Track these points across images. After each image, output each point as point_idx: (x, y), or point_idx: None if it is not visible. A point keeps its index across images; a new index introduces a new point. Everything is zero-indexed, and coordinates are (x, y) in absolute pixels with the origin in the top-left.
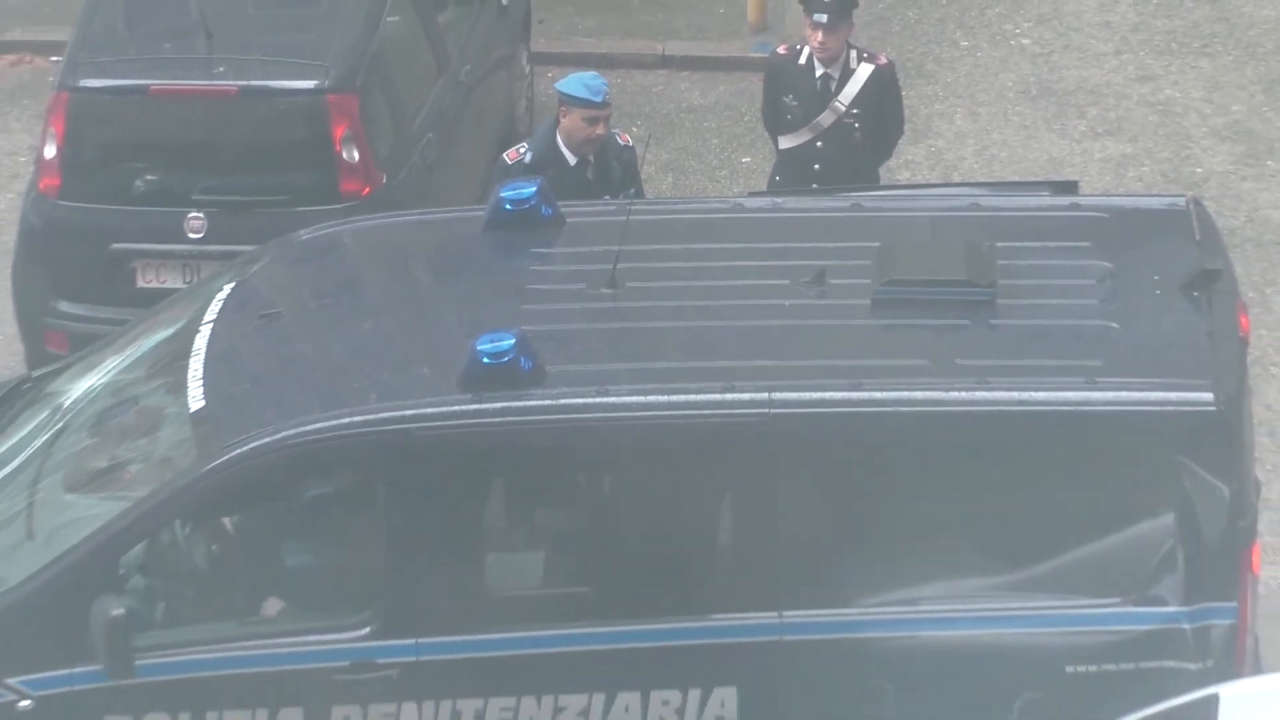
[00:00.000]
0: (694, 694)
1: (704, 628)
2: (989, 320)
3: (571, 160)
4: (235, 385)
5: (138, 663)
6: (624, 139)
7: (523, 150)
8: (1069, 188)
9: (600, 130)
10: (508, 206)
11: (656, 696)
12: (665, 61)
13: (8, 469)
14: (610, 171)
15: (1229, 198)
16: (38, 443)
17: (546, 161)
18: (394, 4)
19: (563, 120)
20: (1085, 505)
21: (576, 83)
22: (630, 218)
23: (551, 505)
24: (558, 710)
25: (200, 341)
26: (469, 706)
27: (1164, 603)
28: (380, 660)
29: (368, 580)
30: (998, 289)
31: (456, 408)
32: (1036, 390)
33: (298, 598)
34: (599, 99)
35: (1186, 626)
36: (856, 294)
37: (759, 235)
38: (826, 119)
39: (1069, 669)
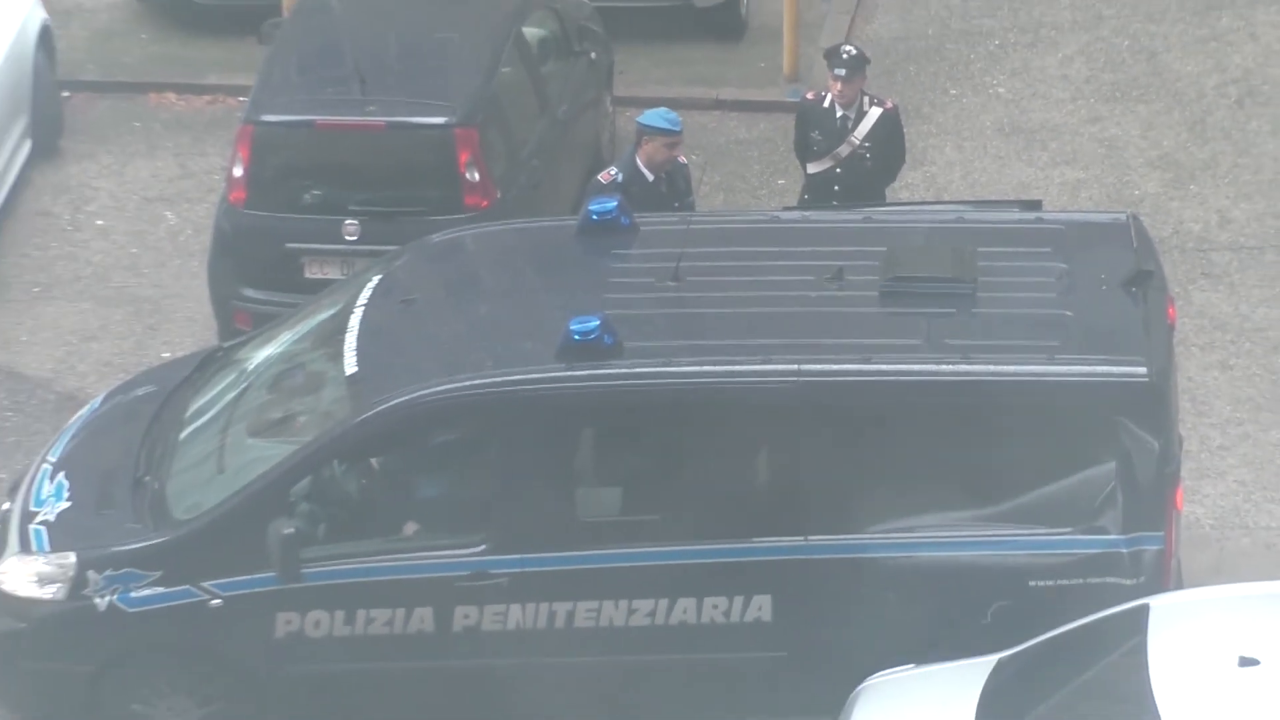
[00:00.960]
0: (738, 600)
1: (745, 548)
2: (971, 309)
3: (650, 178)
4: (381, 355)
5: (304, 570)
6: (682, 158)
7: (613, 172)
8: (1034, 205)
9: (676, 152)
10: (594, 217)
11: (708, 602)
12: (718, 104)
13: (204, 419)
14: (676, 183)
15: (1160, 214)
16: (227, 399)
17: (631, 180)
18: (507, 57)
19: (645, 146)
20: (1044, 454)
21: (658, 117)
22: (690, 226)
23: (627, 451)
24: (631, 612)
25: (354, 320)
26: (562, 608)
27: (1106, 532)
28: (493, 571)
29: (483, 508)
30: (978, 284)
31: (553, 374)
32: (1008, 364)
33: (428, 521)
34: (677, 128)
35: (1124, 551)
36: (867, 288)
37: (791, 241)
38: (844, 150)
39: (1031, 583)
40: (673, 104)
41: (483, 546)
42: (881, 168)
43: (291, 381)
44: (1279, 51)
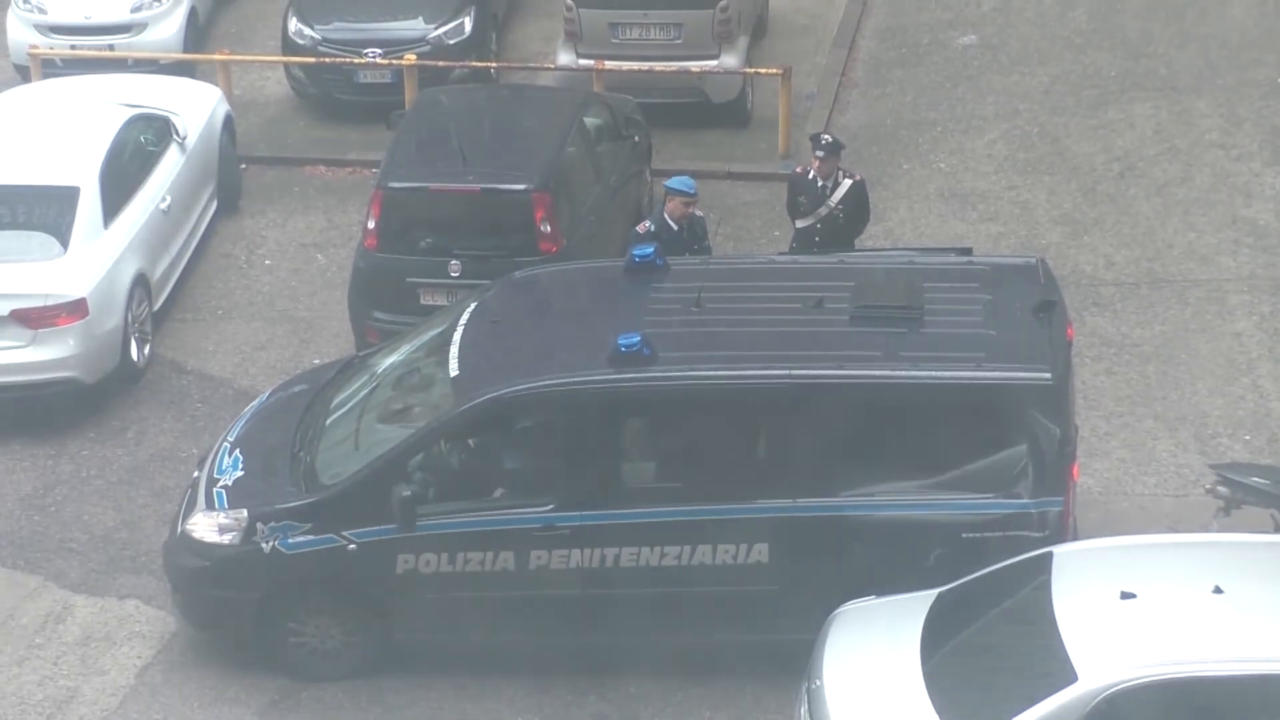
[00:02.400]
0: (743, 547)
1: (748, 508)
2: (919, 329)
3: (674, 228)
4: (477, 361)
5: (418, 523)
6: (700, 214)
7: (647, 224)
8: (965, 251)
9: (692, 209)
10: (636, 259)
11: (721, 548)
12: (729, 175)
13: (344, 409)
14: (695, 232)
15: (1060, 259)
16: (361, 394)
17: (660, 229)
18: (571, 139)
19: (669, 204)
20: (974, 438)
21: (679, 182)
22: (709, 266)
23: (660, 434)
24: (662, 556)
25: (457, 336)
26: (610, 553)
27: (1020, 496)
28: (559, 524)
29: (552, 476)
30: (924, 310)
31: (605, 376)
32: (946, 370)
33: (511, 486)
34: (692, 191)
35: (1034, 511)
36: (841, 313)
37: (784, 277)
38: (823, 211)
39: (964, 535)
40: (694, 174)
41: (551, 505)
42: (852, 224)
43: (409, 381)
44: (1151, 137)
